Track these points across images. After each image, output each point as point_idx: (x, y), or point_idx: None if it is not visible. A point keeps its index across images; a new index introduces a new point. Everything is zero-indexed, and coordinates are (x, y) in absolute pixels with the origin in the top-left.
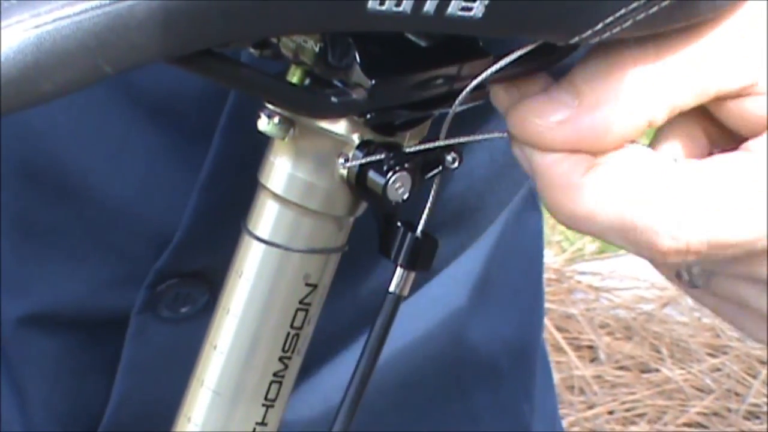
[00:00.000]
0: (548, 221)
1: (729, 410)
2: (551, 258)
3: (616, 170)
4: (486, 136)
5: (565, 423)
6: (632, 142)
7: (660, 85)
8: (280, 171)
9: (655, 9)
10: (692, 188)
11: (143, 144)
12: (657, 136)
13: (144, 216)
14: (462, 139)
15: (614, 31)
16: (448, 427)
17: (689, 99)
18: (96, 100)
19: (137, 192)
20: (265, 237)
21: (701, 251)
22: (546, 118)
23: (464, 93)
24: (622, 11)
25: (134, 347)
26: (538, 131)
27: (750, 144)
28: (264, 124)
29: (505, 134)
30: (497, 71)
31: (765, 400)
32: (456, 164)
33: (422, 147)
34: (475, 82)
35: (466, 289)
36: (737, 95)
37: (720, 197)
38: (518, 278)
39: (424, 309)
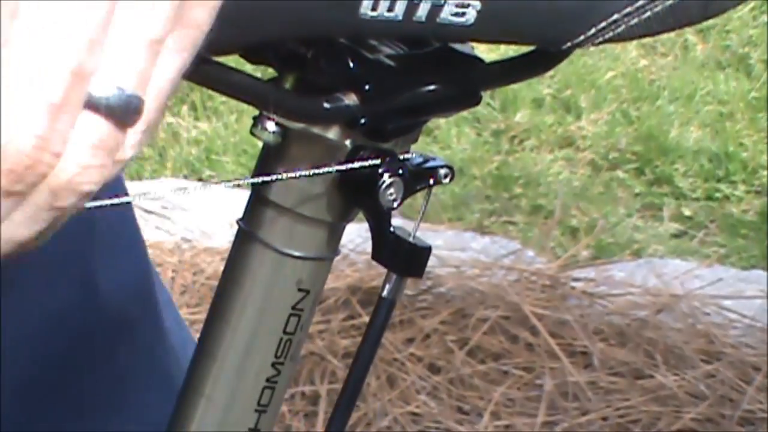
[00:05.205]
0: (541, 228)
1: (723, 416)
2: (545, 264)
3: None
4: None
5: (559, 429)
6: None
7: None
8: (274, 177)
9: (648, 14)
10: None
11: None
12: None
13: None
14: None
15: (607, 36)
16: (102, 398)
17: None
18: None
19: None
20: (261, 237)
21: None
22: None
23: None
24: (615, 16)
25: None
26: None
27: None
28: (258, 130)
29: None
30: (494, 81)
31: (759, 406)
32: (448, 180)
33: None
34: None
35: (90, 238)
36: None
37: None
38: (118, 221)
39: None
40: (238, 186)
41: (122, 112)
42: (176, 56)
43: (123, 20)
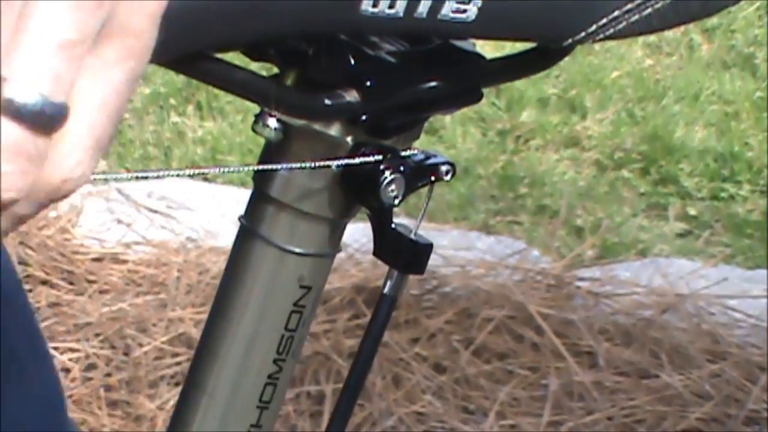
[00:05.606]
0: (546, 228)
1: (728, 416)
2: (550, 264)
3: None
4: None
5: (564, 429)
6: None
7: None
8: (276, 173)
9: (648, 10)
10: None
11: None
12: None
13: None
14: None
15: (608, 32)
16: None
17: None
18: None
19: None
20: (262, 234)
21: None
22: None
23: None
24: (616, 13)
25: None
26: None
27: None
28: (259, 126)
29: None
30: (495, 78)
31: (764, 406)
32: (449, 176)
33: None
34: None
35: None
36: None
37: None
38: None
39: None
40: (238, 173)
41: (39, 118)
42: (118, 67)
43: (34, 24)
